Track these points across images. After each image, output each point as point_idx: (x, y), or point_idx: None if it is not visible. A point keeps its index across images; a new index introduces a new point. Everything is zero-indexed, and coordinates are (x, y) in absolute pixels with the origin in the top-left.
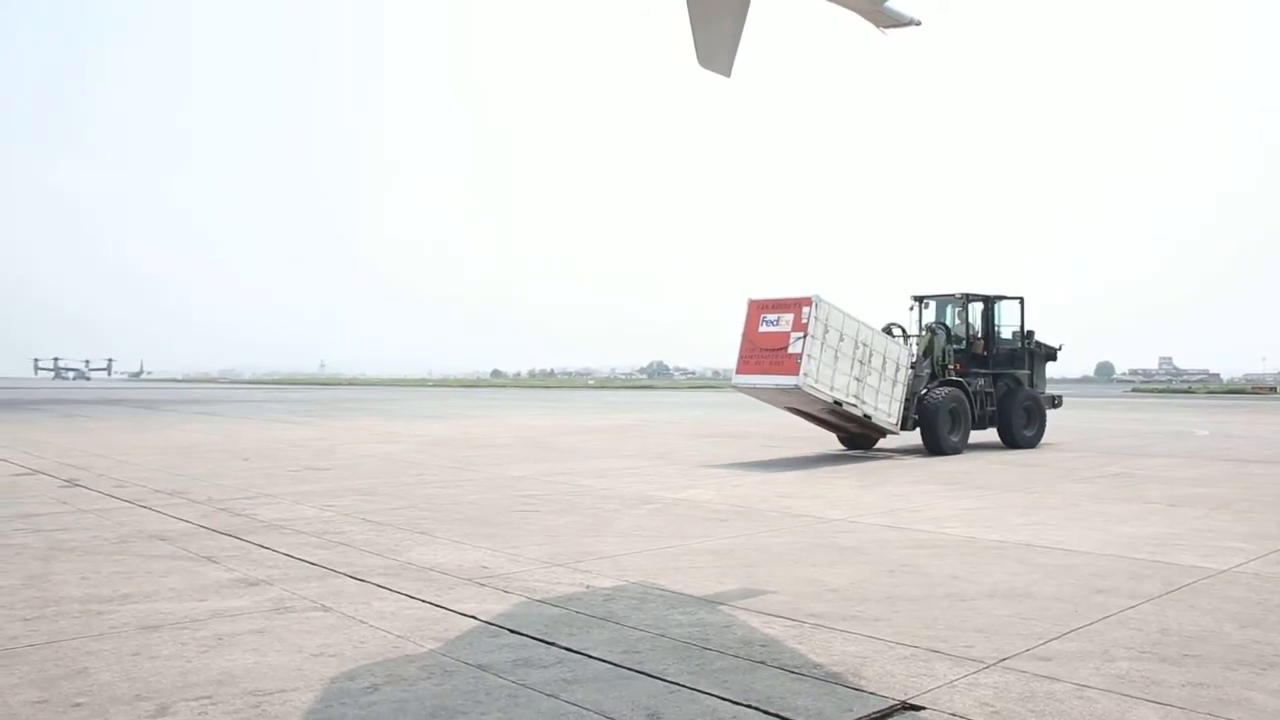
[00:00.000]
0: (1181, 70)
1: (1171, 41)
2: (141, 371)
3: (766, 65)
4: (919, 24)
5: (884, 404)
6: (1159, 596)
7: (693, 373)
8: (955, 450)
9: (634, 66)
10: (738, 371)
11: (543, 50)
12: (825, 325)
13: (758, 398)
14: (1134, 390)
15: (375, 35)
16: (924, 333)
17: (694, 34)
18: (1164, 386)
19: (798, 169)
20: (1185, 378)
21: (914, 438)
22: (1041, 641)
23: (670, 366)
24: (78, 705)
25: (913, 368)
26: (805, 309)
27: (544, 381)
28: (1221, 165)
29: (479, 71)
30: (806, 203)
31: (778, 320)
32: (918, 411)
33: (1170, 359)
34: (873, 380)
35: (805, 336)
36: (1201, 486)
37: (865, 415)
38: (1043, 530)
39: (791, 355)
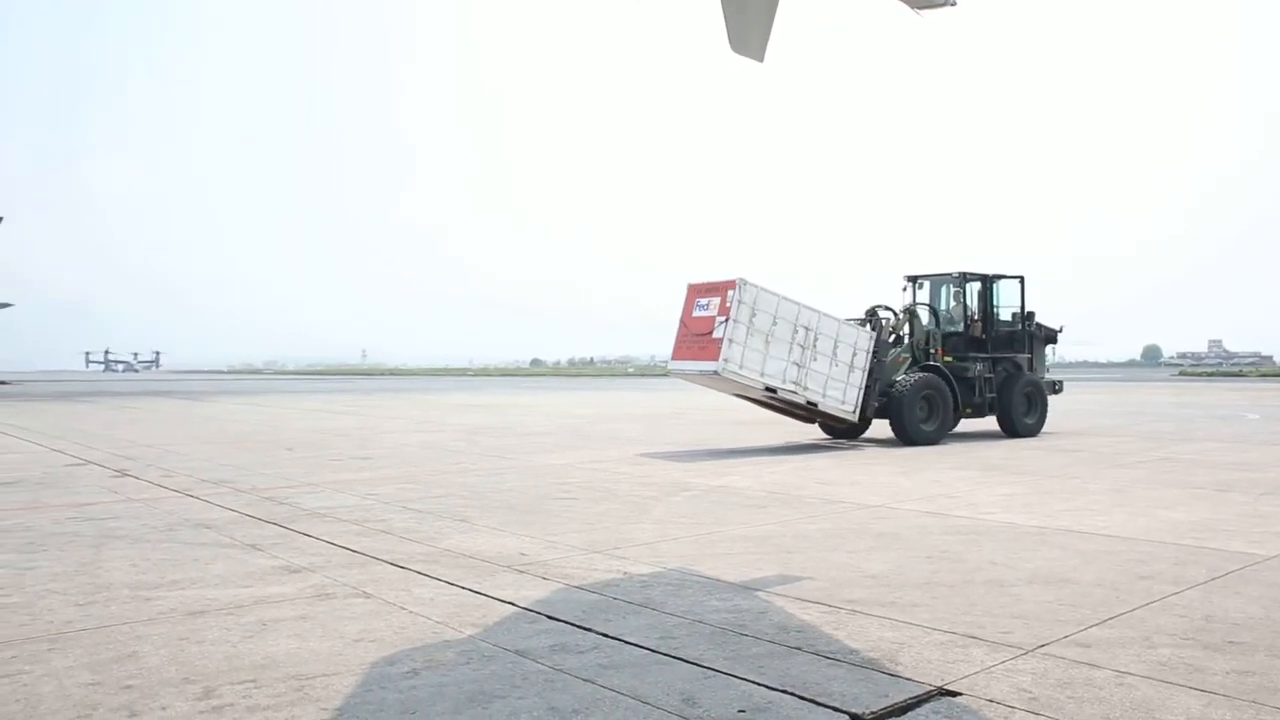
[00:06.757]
0: (1196, 56)
1: (1174, 30)
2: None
3: (779, 52)
4: (954, 4)
5: (835, 390)
6: (1204, 582)
7: None
8: (930, 440)
9: (655, 57)
10: (673, 357)
11: (557, 48)
12: (752, 309)
13: (692, 383)
14: (1182, 374)
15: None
16: (901, 315)
17: (726, 18)
18: (1213, 369)
19: (825, 160)
20: (1236, 360)
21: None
22: (1082, 628)
23: None
24: (128, 687)
25: (876, 352)
26: (730, 292)
27: (583, 370)
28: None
29: (486, 67)
30: (828, 191)
31: (708, 304)
32: (884, 398)
33: (1220, 341)
34: (820, 365)
35: (728, 321)
36: (1250, 471)
37: (810, 402)
38: (1085, 516)
39: (715, 340)
